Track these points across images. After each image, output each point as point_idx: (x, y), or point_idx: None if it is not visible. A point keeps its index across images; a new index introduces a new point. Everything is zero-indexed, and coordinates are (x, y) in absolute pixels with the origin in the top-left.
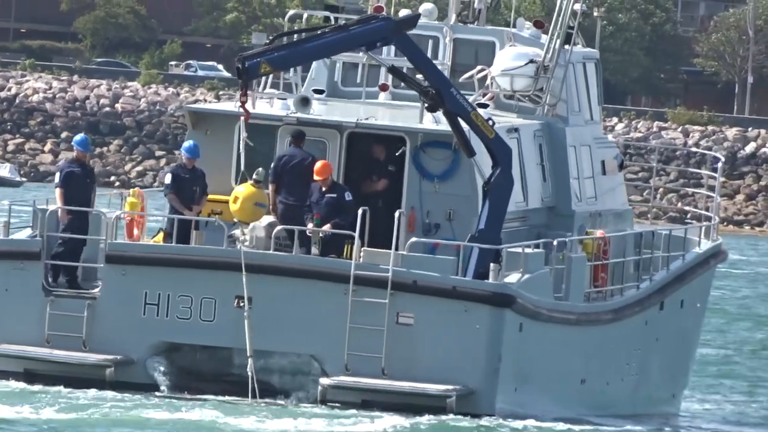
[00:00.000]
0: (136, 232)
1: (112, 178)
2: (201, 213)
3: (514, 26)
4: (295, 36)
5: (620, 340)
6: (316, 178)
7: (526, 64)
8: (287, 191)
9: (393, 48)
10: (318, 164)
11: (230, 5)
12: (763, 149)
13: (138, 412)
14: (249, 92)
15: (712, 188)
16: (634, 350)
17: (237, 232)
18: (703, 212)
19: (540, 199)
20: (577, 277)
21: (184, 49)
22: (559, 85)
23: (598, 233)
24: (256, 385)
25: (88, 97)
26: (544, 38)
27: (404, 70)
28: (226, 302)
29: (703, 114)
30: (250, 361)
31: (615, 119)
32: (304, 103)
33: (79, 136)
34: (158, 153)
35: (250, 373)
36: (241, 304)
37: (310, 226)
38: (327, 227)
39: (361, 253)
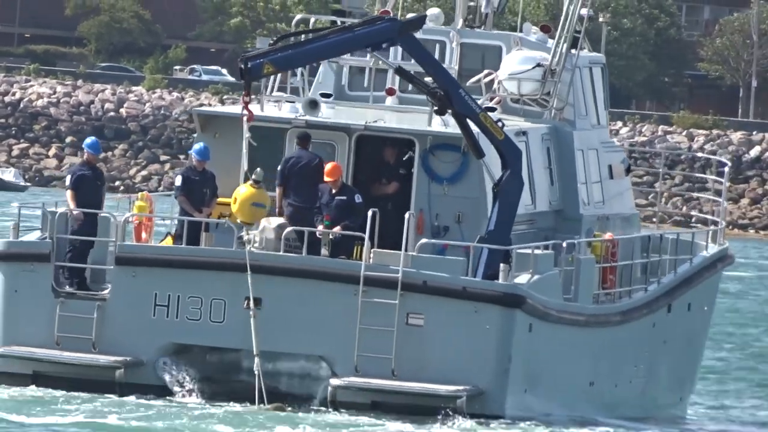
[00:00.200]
0: (144, 235)
1: (117, 182)
2: (211, 215)
3: (521, 31)
4: (300, 37)
5: (628, 342)
6: (326, 179)
7: (533, 67)
8: (295, 193)
9: (399, 52)
10: (328, 166)
11: (234, 10)
12: None
13: (145, 423)
14: (254, 94)
15: (717, 192)
16: (642, 353)
17: (246, 233)
18: (709, 216)
19: (548, 202)
20: (586, 279)
21: (188, 54)
22: (566, 89)
23: (607, 236)
24: (263, 388)
25: (92, 102)
26: (551, 42)
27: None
28: (235, 303)
29: (707, 118)
30: (256, 360)
31: (619, 123)
32: (313, 105)
33: (89, 139)
34: (163, 157)
35: (256, 372)
36: (254, 306)
37: (320, 227)
38: (337, 229)
39: (371, 254)
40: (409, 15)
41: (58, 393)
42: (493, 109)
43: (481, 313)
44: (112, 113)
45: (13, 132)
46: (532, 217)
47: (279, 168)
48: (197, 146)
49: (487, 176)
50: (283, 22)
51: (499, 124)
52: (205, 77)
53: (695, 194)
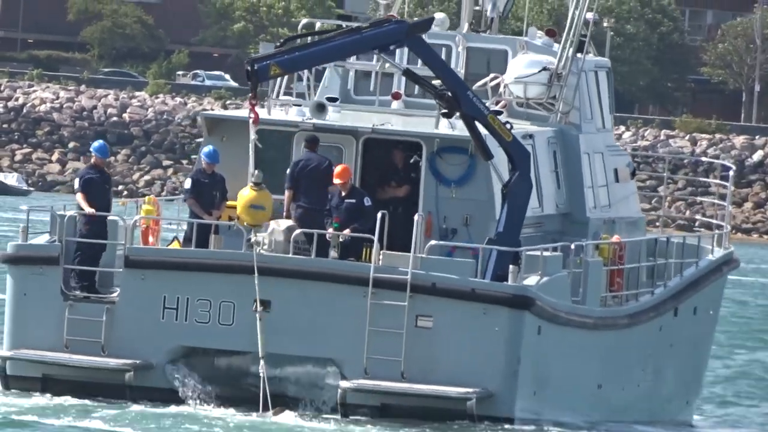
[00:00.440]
0: (151, 239)
1: (120, 187)
2: (220, 218)
3: (526, 35)
4: (307, 39)
5: (636, 345)
6: (336, 181)
7: (539, 71)
8: (304, 195)
9: (405, 56)
10: (338, 168)
11: (237, 15)
12: None
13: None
14: (260, 98)
15: (722, 197)
16: (649, 356)
17: (255, 236)
18: (714, 221)
19: (554, 205)
20: (594, 282)
21: (191, 59)
22: (571, 92)
23: (614, 239)
24: (268, 393)
25: (95, 107)
26: (556, 47)
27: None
28: (244, 306)
29: (710, 122)
30: (261, 362)
31: (622, 127)
32: (320, 109)
33: (97, 143)
34: (166, 162)
35: (261, 375)
36: (260, 308)
37: (329, 230)
38: (346, 232)
39: (380, 256)
40: (415, 19)
41: (67, 403)
42: (499, 113)
43: (490, 314)
44: (115, 118)
45: (16, 137)
46: (539, 220)
47: (288, 171)
48: (207, 149)
49: (495, 178)
50: (285, 27)
51: (507, 126)
52: (208, 82)
53: (699, 198)
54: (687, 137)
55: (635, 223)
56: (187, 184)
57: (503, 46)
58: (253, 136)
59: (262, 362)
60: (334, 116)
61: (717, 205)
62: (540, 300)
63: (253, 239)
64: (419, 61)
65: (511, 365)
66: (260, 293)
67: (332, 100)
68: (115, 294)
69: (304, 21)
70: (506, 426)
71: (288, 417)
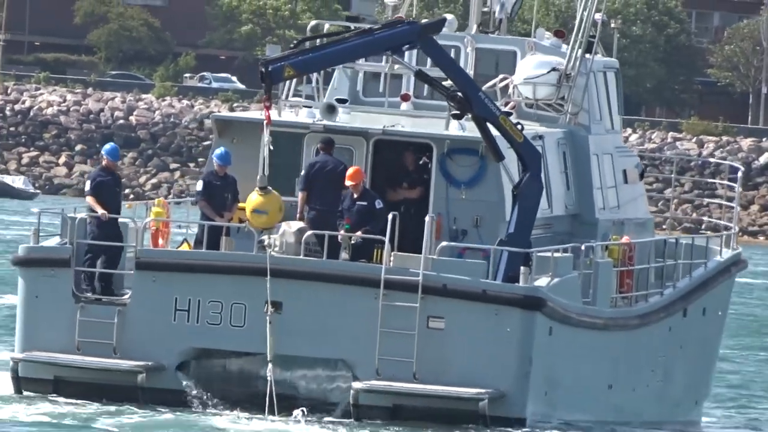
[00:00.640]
0: (161, 242)
1: (127, 190)
2: (232, 220)
3: (535, 36)
4: (319, 41)
5: (646, 346)
6: (348, 183)
7: (548, 72)
8: (319, 198)
9: (414, 57)
10: (350, 170)
11: (244, 17)
12: None
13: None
14: (274, 100)
15: (729, 199)
16: (659, 356)
17: (266, 237)
18: (722, 222)
19: (564, 206)
20: (604, 283)
21: (198, 62)
22: (580, 93)
23: (624, 239)
24: (275, 398)
25: (102, 110)
26: (565, 47)
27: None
28: (256, 308)
29: (717, 125)
30: (269, 366)
31: (629, 130)
32: (330, 110)
33: (108, 145)
34: (173, 165)
35: (269, 378)
36: (272, 309)
37: (341, 231)
38: (357, 234)
39: (392, 258)
40: (423, 22)
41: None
42: (509, 114)
43: (501, 315)
44: (121, 121)
45: (23, 140)
46: (549, 221)
47: (303, 173)
48: (218, 151)
49: (506, 179)
50: (292, 30)
51: (518, 127)
52: (215, 85)
53: (706, 200)
54: (694, 140)
55: (644, 224)
56: (199, 186)
57: (512, 47)
58: (267, 137)
59: (270, 366)
60: (344, 118)
61: (725, 207)
62: (551, 301)
63: (265, 241)
64: (428, 62)
65: (522, 366)
66: (272, 295)
67: (341, 101)
68: (126, 296)
69: (313, 23)
70: (520, 429)
71: (299, 419)
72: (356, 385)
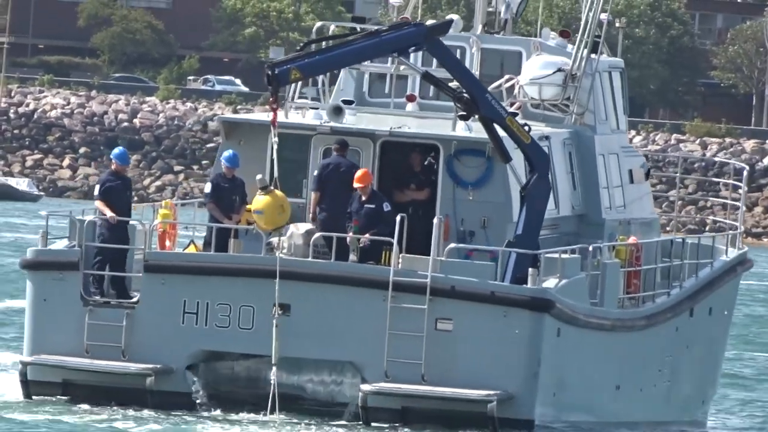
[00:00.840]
0: (168, 243)
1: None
2: (240, 222)
3: (540, 36)
4: (325, 43)
5: (653, 346)
6: (356, 185)
7: (554, 72)
8: (331, 199)
9: (420, 58)
10: (359, 172)
11: (248, 20)
12: None
13: None
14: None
15: (734, 199)
16: (666, 356)
17: (274, 239)
18: (727, 221)
19: (570, 207)
20: (612, 284)
21: (201, 64)
22: (586, 94)
23: (631, 240)
24: (277, 399)
25: (106, 113)
26: (570, 47)
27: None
28: (264, 310)
29: (720, 126)
30: (273, 369)
31: (633, 132)
32: (337, 112)
33: (117, 150)
34: (177, 168)
35: (272, 381)
36: (280, 312)
37: (349, 233)
38: (366, 236)
39: (400, 260)
40: (429, 23)
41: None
42: (515, 115)
43: (510, 317)
44: (125, 124)
45: (27, 143)
46: (556, 221)
47: (316, 173)
48: (227, 153)
49: (513, 180)
50: (296, 32)
51: (526, 128)
52: (218, 87)
53: (712, 199)
54: (697, 141)
55: (650, 223)
56: (207, 188)
57: (517, 48)
58: (274, 139)
59: (274, 369)
60: (351, 119)
61: (729, 208)
62: (559, 302)
63: (273, 243)
64: (434, 62)
65: (531, 367)
66: (280, 297)
67: (348, 102)
68: (134, 298)
69: (318, 24)
70: (528, 431)
71: (307, 421)
72: (365, 387)
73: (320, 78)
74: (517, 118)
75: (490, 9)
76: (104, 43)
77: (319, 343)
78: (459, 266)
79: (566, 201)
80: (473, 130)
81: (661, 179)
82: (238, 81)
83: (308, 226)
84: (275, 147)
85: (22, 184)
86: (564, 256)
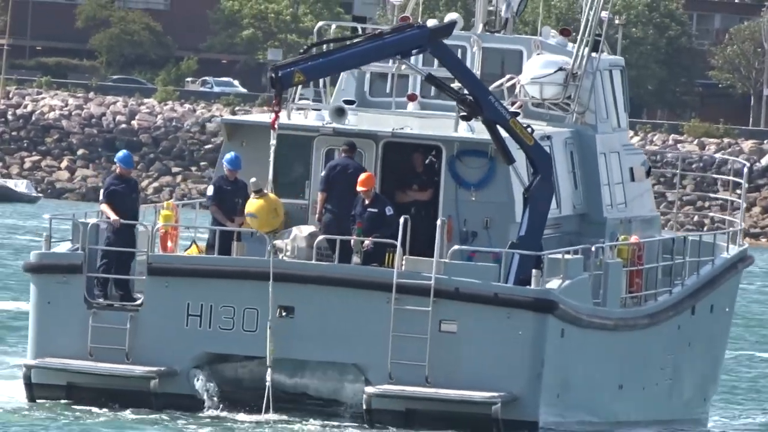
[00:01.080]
0: (170, 244)
1: None
2: (243, 224)
3: (541, 34)
4: (328, 45)
5: (655, 344)
6: (359, 189)
7: (555, 72)
8: (337, 200)
9: (421, 58)
10: (362, 176)
11: (246, 22)
12: None
13: None
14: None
15: (732, 201)
16: (668, 355)
17: (278, 242)
18: (727, 217)
19: (572, 206)
20: (614, 283)
21: (199, 66)
22: (587, 93)
23: (633, 239)
24: (271, 399)
25: (104, 114)
26: (571, 46)
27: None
28: (268, 312)
29: (718, 127)
30: (269, 371)
31: (631, 132)
32: (340, 113)
33: (121, 153)
34: (175, 169)
35: (267, 383)
36: (283, 314)
37: (353, 236)
38: (369, 240)
39: (403, 262)
40: (429, 22)
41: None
42: (516, 114)
43: (513, 318)
44: (123, 125)
45: (25, 144)
46: (557, 221)
47: (323, 174)
48: (229, 156)
49: (516, 181)
50: (294, 34)
51: (529, 129)
52: (216, 89)
53: (712, 195)
54: (695, 142)
55: (651, 221)
56: (210, 191)
57: (518, 46)
58: (272, 141)
59: (269, 371)
60: (353, 120)
61: (730, 206)
62: (563, 303)
63: (277, 245)
64: (435, 62)
65: (535, 369)
66: (283, 299)
67: (349, 102)
68: (138, 301)
69: (320, 24)
70: None
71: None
72: (369, 389)
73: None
74: (518, 118)
75: (491, 8)
76: (102, 44)
77: (323, 346)
78: (462, 268)
79: (568, 200)
80: (475, 130)
81: (659, 179)
82: (236, 82)
83: (311, 228)
84: (272, 150)
85: (20, 185)
86: (567, 256)
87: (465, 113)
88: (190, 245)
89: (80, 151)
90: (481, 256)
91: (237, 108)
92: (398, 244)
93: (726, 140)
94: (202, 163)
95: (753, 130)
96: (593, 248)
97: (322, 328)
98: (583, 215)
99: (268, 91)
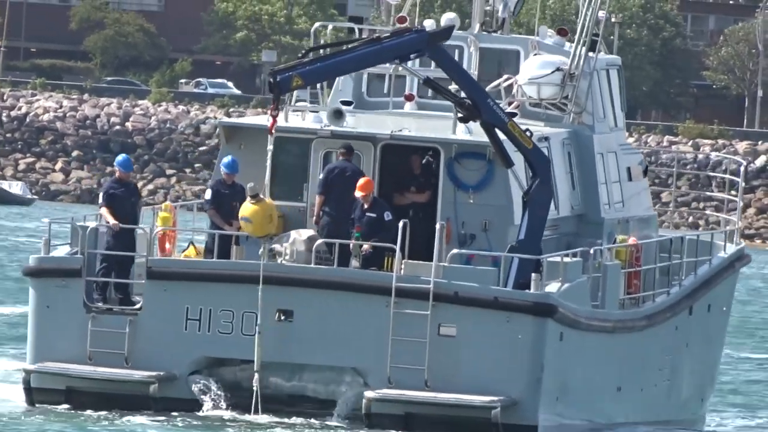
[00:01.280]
0: (168, 246)
1: None
2: (241, 228)
3: (538, 34)
4: (327, 50)
5: (653, 346)
6: (358, 193)
7: (552, 72)
8: (335, 203)
9: (418, 61)
10: (361, 180)
11: (240, 23)
12: None
13: None
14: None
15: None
16: (666, 355)
17: (277, 246)
18: (724, 215)
19: (570, 207)
20: (613, 285)
21: (193, 67)
22: (584, 93)
23: (631, 240)
24: (259, 400)
25: (98, 116)
26: (568, 45)
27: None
28: (266, 316)
29: (713, 128)
30: (256, 375)
31: (626, 134)
32: (338, 116)
33: (120, 157)
34: (169, 171)
35: (255, 388)
36: (282, 318)
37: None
38: (367, 245)
39: (402, 266)
40: (426, 22)
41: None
42: (514, 114)
43: (513, 322)
44: (117, 127)
45: (20, 146)
46: (555, 222)
47: (321, 176)
48: (226, 159)
49: (515, 184)
50: (288, 35)
51: (527, 133)
52: (210, 90)
53: (709, 193)
54: (690, 143)
55: (648, 220)
56: (208, 195)
57: (515, 46)
58: (269, 146)
59: (256, 376)
60: (351, 122)
61: (727, 203)
62: (562, 307)
63: (276, 249)
64: (432, 63)
65: (534, 373)
66: (283, 303)
67: (347, 103)
68: (137, 305)
69: (317, 25)
70: None
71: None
72: (368, 394)
73: None
74: (516, 119)
75: (487, 8)
76: (96, 46)
77: (322, 350)
78: (462, 272)
79: (566, 201)
80: (474, 132)
81: (654, 180)
82: (230, 84)
83: (310, 232)
84: (270, 155)
85: (15, 187)
86: (566, 259)
87: (463, 115)
88: (188, 246)
89: (75, 153)
90: (479, 259)
91: (231, 110)
92: (397, 248)
93: (720, 141)
94: (196, 165)
95: (747, 131)
96: (591, 251)
97: (321, 332)
98: (581, 216)
99: (262, 92)
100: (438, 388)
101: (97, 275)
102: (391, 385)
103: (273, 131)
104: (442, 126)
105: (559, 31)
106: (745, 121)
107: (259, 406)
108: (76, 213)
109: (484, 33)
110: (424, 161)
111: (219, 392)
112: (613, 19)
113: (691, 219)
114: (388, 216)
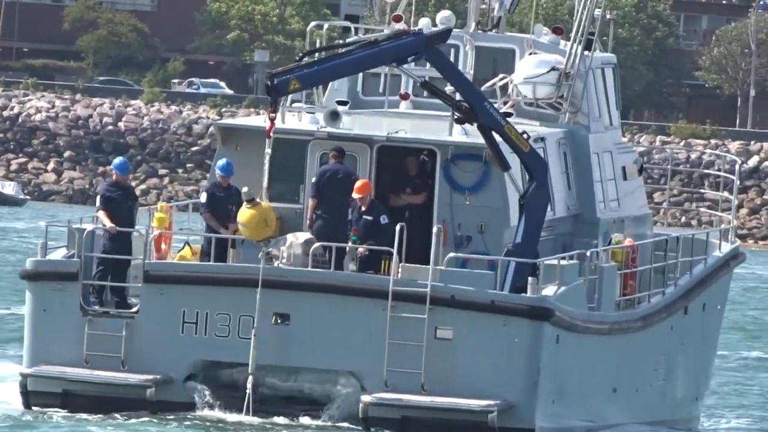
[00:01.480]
0: (163, 246)
1: None
2: (236, 231)
3: (533, 33)
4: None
5: (648, 346)
6: (355, 195)
7: (548, 71)
8: (328, 206)
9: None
10: (358, 183)
11: (233, 23)
12: (766, 163)
13: None
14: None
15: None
16: (661, 356)
17: (274, 249)
18: (719, 214)
19: (565, 207)
20: (609, 287)
21: (186, 67)
22: (580, 92)
23: (627, 241)
24: (251, 402)
25: (91, 116)
26: (563, 44)
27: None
28: (263, 319)
29: (705, 128)
30: (250, 378)
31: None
32: (334, 117)
33: (117, 160)
34: (161, 171)
35: (248, 390)
36: (279, 321)
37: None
38: (364, 247)
39: (399, 269)
40: (422, 21)
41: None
42: (509, 114)
43: (509, 326)
44: (110, 127)
45: (12, 146)
46: (551, 223)
47: (314, 180)
48: (221, 162)
49: (511, 186)
50: (281, 35)
51: (524, 136)
52: (203, 90)
53: (701, 191)
54: (682, 143)
55: (643, 219)
56: (203, 198)
57: (511, 45)
58: (267, 150)
59: (250, 378)
60: (347, 123)
61: (721, 202)
62: (558, 310)
63: (273, 252)
64: (427, 63)
65: (531, 376)
66: (279, 307)
67: (342, 103)
68: (134, 308)
69: (312, 24)
70: None
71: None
72: (365, 398)
73: None
74: (511, 119)
75: (483, 6)
76: (89, 46)
77: (318, 353)
78: (459, 275)
79: (561, 202)
80: (470, 134)
81: (646, 180)
82: (222, 84)
83: (307, 235)
84: (267, 158)
85: (7, 187)
86: (563, 262)
87: (459, 117)
88: (183, 246)
89: (67, 153)
90: (476, 262)
91: (223, 110)
92: (395, 251)
93: (713, 141)
94: (188, 165)
95: (740, 131)
96: (588, 253)
97: (317, 335)
98: (577, 216)
99: (255, 92)
100: (435, 392)
101: (93, 278)
102: (388, 389)
103: (271, 134)
104: (438, 127)
105: (554, 29)
106: (738, 121)
107: (251, 407)
108: (67, 213)
109: (480, 32)
110: (419, 160)
111: (214, 398)
112: (608, 16)
113: (684, 219)
114: (384, 219)
